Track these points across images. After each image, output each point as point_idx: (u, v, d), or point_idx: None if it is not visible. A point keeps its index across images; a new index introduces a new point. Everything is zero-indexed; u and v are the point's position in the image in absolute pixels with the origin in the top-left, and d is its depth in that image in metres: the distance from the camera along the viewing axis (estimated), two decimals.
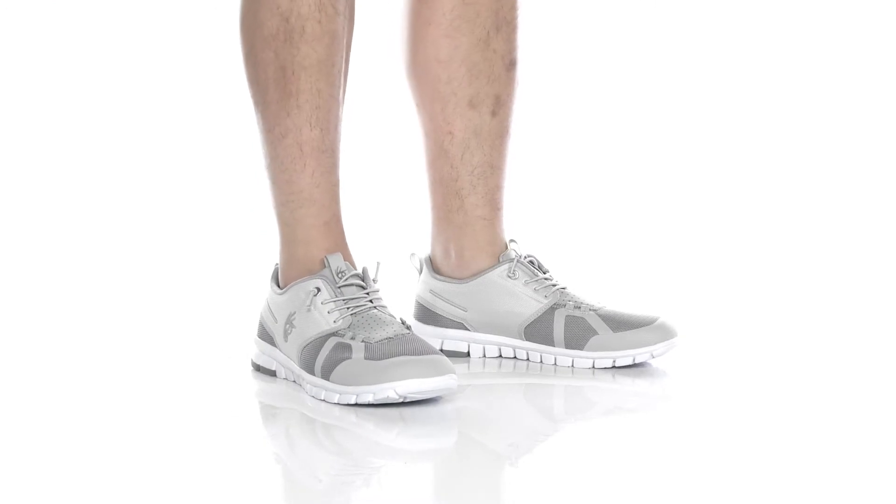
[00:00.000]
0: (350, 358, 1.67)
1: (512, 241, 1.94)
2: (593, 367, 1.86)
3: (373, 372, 1.65)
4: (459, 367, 1.80)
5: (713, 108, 3.19)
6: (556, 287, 1.90)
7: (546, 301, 1.89)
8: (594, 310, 1.88)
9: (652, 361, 1.88)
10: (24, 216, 2.90)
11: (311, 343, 1.71)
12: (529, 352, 1.90)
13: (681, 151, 3.15)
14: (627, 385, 1.81)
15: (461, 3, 1.88)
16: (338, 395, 1.67)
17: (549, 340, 1.88)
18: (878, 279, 2.52)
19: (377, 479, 1.47)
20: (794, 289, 2.45)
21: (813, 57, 3.21)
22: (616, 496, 1.39)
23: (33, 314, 2.28)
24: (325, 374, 1.68)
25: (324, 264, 1.75)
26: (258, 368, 1.83)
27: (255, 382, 1.81)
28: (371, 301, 1.73)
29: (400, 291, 1.93)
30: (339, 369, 1.67)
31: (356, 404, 1.66)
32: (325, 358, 1.69)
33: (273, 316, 1.79)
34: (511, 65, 1.91)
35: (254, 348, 1.84)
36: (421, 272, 1.96)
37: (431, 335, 1.93)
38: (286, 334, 1.76)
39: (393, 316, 1.73)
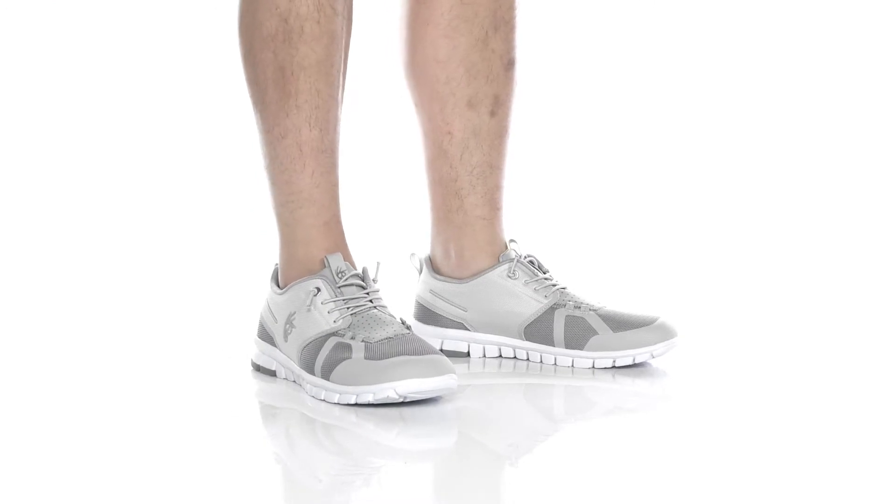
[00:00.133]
0: (350, 358, 1.67)
1: (512, 240, 1.94)
2: (593, 367, 1.86)
3: (373, 372, 1.65)
4: (459, 367, 1.80)
5: (712, 107, 3.19)
6: (556, 287, 1.90)
7: (546, 301, 1.89)
8: (594, 310, 1.88)
9: (652, 361, 1.88)
10: (24, 216, 2.90)
11: (311, 343, 1.71)
12: (529, 352, 1.90)
13: (680, 151, 3.15)
14: (627, 385, 1.81)
15: (459, 3, 1.88)
16: (338, 395, 1.67)
17: (549, 340, 1.88)
18: (878, 279, 2.52)
19: (377, 479, 1.47)
20: (793, 289, 2.45)
21: (813, 57, 3.21)
22: (616, 496, 1.39)
23: (33, 314, 2.28)
24: (325, 374, 1.68)
25: (324, 264, 1.75)
26: (258, 368, 1.83)
27: (255, 382, 1.81)
28: (371, 301, 1.73)
29: (400, 291, 1.93)
30: (339, 369, 1.67)
31: (356, 404, 1.66)
32: (325, 358, 1.69)
33: (273, 316, 1.79)
34: (509, 64, 1.91)
35: (254, 348, 1.84)
36: (421, 272, 1.96)
37: (431, 335, 1.93)
38: (286, 334, 1.76)
39: (393, 316, 1.73)
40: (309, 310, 1.73)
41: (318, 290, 1.73)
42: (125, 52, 3.06)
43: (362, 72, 1.99)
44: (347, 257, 1.77)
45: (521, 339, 1.90)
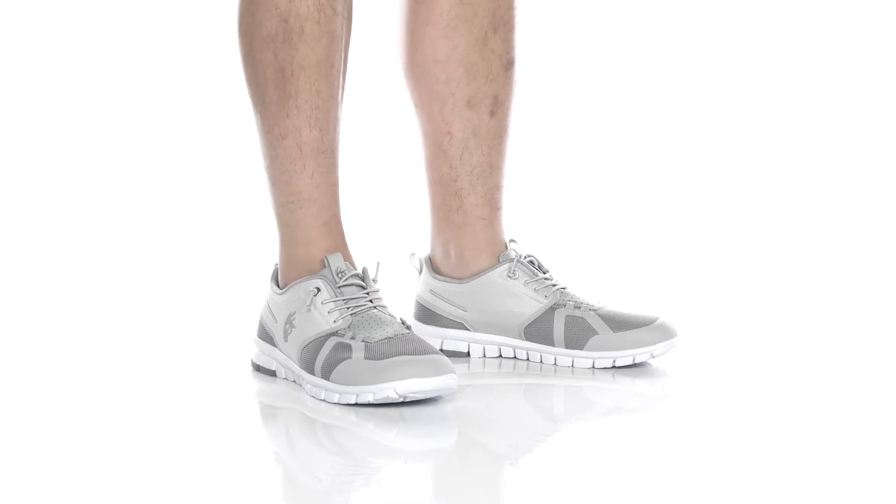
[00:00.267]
0: (350, 358, 1.67)
1: (512, 240, 1.94)
2: (593, 367, 1.86)
3: (373, 372, 1.65)
4: (459, 367, 1.80)
5: (712, 107, 3.18)
6: (556, 287, 1.90)
7: (546, 301, 1.89)
8: (594, 310, 1.88)
9: (652, 361, 1.88)
10: (25, 216, 2.90)
11: (311, 343, 1.71)
12: (529, 352, 1.90)
13: (680, 151, 3.15)
14: (627, 385, 1.81)
15: (459, 3, 1.88)
16: (338, 395, 1.67)
17: (549, 340, 1.88)
18: (878, 279, 2.52)
19: (377, 479, 1.47)
20: (793, 289, 2.45)
21: (813, 57, 3.20)
22: (616, 496, 1.39)
23: (33, 314, 2.28)
24: (325, 374, 1.68)
25: (324, 264, 1.75)
26: (258, 368, 1.83)
27: (255, 382, 1.81)
28: (371, 301, 1.73)
29: (400, 291, 1.93)
30: (339, 369, 1.67)
31: (356, 404, 1.66)
32: (325, 358, 1.69)
33: (273, 316, 1.79)
34: (509, 64, 1.91)
35: (254, 348, 1.84)
36: (421, 272, 1.96)
37: (431, 335, 1.93)
38: (286, 334, 1.76)
39: (393, 316, 1.73)
40: (309, 310, 1.73)
41: (318, 290, 1.73)
42: (125, 52, 3.06)
43: (362, 72, 1.99)
44: (347, 257, 1.77)
45: (521, 339, 1.90)
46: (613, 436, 1.62)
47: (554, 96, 3.09)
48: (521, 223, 2.02)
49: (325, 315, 1.72)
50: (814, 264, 2.65)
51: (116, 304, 2.35)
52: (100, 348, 2.04)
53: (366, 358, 1.66)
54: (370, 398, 1.65)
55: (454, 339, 1.93)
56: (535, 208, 2.79)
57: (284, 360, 1.77)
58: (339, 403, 1.67)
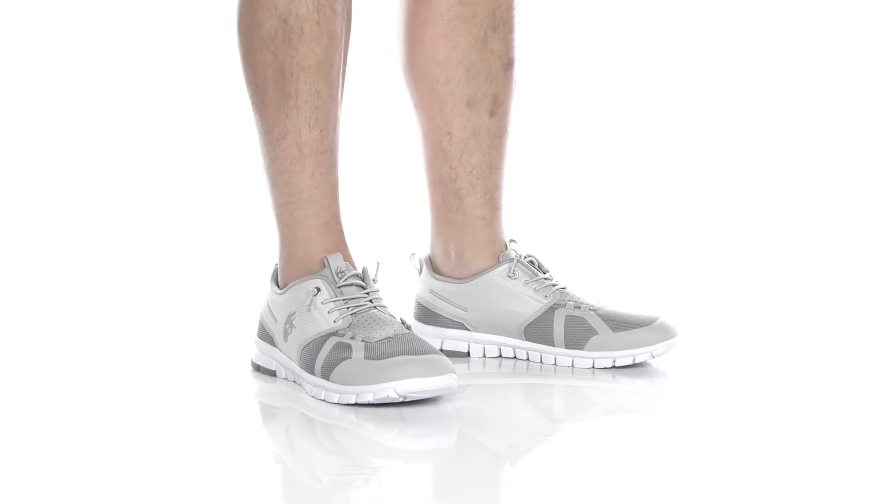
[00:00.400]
0: (350, 358, 1.67)
1: (512, 240, 1.94)
2: (593, 367, 1.86)
3: (373, 372, 1.65)
4: (459, 367, 1.80)
5: (712, 107, 3.18)
6: (556, 287, 1.90)
7: (546, 301, 1.89)
8: (594, 310, 1.88)
9: (652, 361, 1.88)
10: (25, 216, 2.90)
11: (311, 343, 1.71)
12: (529, 352, 1.90)
13: (680, 151, 3.15)
14: (627, 385, 1.81)
15: (458, 3, 1.88)
16: (338, 395, 1.67)
17: (549, 340, 1.88)
18: (878, 279, 2.52)
19: (377, 479, 1.47)
20: (793, 289, 2.45)
21: (813, 57, 3.20)
22: (616, 496, 1.39)
23: (33, 314, 2.28)
24: (325, 374, 1.68)
25: (324, 264, 1.75)
26: (258, 368, 1.83)
27: (255, 382, 1.81)
28: (371, 301, 1.73)
29: (400, 291, 1.93)
30: (339, 369, 1.67)
31: (356, 404, 1.66)
32: (325, 358, 1.69)
33: (273, 316, 1.79)
34: (508, 64, 1.91)
35: (254, 348, 1.84)
36: (421, 272, 1.96)
37: (431, 335, 1.93)
38: (286, 334, 1.76)
39: (393, 316, 1.73)
40: (309, 310, 1.73)
41: (318, 290, 1.73)
42: (125, 53, 3.06)
43: (362, 72, 1.99)
44: (347, 257, 1.77)
45: (521, 339, 1.90)
46: (613, 436, 1.62)
47: (553, 96, 3.09)
48: (521, 223, 2.02)
49: (324, 315, 1.72)
50: (813, 264, 2.65)
51: (117, 304, 2.35)
52: (100, 348, 2.04)
53: (366, 358, 1.66)
54: (370, 398, 1.65)
55: (454, 339, 1.93)
56: (535, 208, 2.79)
57: (284, 360, 1.77)
58: (339, 403, 1.67)
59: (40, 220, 2.89)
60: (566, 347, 1.87)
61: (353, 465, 1.52)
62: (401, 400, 1.65)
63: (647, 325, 1.86)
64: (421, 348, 1.66)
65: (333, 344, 1.69)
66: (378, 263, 1.77)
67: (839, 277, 2.53)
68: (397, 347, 1.66)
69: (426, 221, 1.96)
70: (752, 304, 2.32)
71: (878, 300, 2.35)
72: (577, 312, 1.88)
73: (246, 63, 1.76)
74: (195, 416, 1.69)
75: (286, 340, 1.76)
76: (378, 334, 1.69)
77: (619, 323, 1.86)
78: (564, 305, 1.89)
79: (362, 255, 1.79)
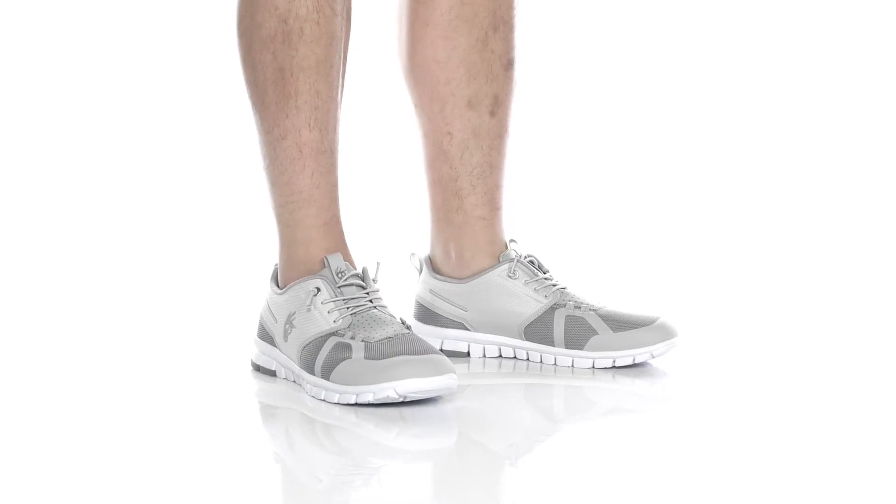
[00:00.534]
0: (350, 358, 1.67)
1: (512, 240, 1.94)
2: (593, 367, 1.86)
3: (373, 371, 1.65)
4: (459, 367, 1.80)
5: (712, 107, 3.18)
6: (557, 287, 1.90)
7: (546, 301, 1.89)
8: (594, 310, 1.88)
9: (652, 361, 1.88)
10: (25, 217, 2.90)
11: (311, 343, 1.71)
12: (529, 352, 1.90)
13: (680, 151, 3.15)
14: (627, 385, 1.81)
15: (459, 4, 1.88)
16: (338, 395, 1.67)
17: (549, 340, 1.88)
18: (878, 279, 2.52)
19: (377, 479, 1.47)
20: (793, 289, 2.45)
21: (813, 57, 3.20)
22: (616, 496, 1.39)
23: (33, 314, 2.28)
24: (325, 374, 1.68)
25: (324, 264, 1.75)
26: (258, 368, 1.83)
27: (255, 382, 1.81)
28: (371, 301, 1.73)
29: (400, 291, 1.93)
30: (339, 369, 1.67)
31: (356, 404, 1.66)
32: (325, 358, 1.69)
33: (273, 316, 1.79)
34: (509, 64, 1.91)
35: (254, 348, 1.84)
36: (421, 272, 1.96)
37: (431, 335, 1.93)
38: (286, 334, 1.76)
39: (393, 316, 1.73)
40: (309, 310, 1.73)
41: (318, 289, 1.73)
42: (125, 53, 3.06)
43: (362, 72, 1.99)
44: (347, 257, 1.77)
45: (521, 339, 1.90)
46: (613, 436, 1.62)
47: (553, 96, 3.09)
48: (521, 223, 2.02)
49: (324, 315, 1.72)
50: (813, 264, 2.65)
51: (117, 304, 2.35)
52: (100, 348, 2.04)
53: (366, 358, 1.66)
54: (370, 398, 1.65)
55: (454, 339, 1.93)
56: (535, 208, 2.79)
57: (284, 360, 1.77)
58: (339, 403, 1.67)
59: (40, 221, 2.89)
60: (566, 347, 1.87)
61: (353, 465, 1.52)
62: (401, 400, 1.65)
63: (647, 325, 1.86)
64: (421, 348, 1.66)
65: (333, 344, 1.69)
66: (378, 263, 1.77)
67: (839, 277, 2.53)
68: (397, 347, 1.66)
69: (426, 221, 1.96)
70: (752, 304, 2.32)
71: (878, 300, 2.35)
72: (578, 312, 1.88)
73: (246, 63, 1.76)
74: (195, 415, 1.69)
75: (286, 340, 1.76)
76: (378, 334, 1.69)
77: (619, 323, 1.86)
78: (564, 305, 1.89)
79: (362, 255, 1.79)
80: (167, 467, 1.48)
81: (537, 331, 1.89)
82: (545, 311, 1.89)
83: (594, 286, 2.01)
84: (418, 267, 1.96)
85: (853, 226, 2.88)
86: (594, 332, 1.86)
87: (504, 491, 1.44)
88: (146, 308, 2.32)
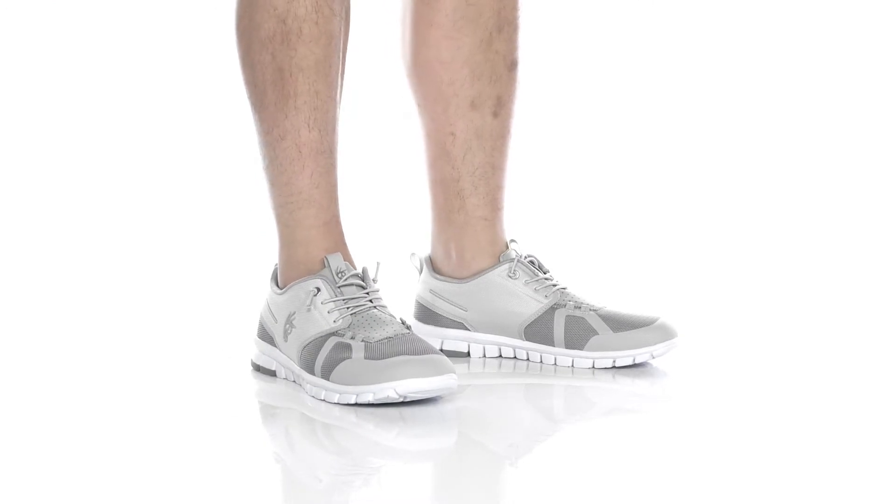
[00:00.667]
0: (350, 358, 1.67)
1: (512, 240, 1.94)
2: (593, 367, 1.86)
3: (373, 371, 1.65)
4: (459, 367, 1.80)
5: (713, 109, 3.19)
6: (557, 287, 1.90)
7: (546, 301, 1.89)
8: (594, 310, 1.88)
9: (652, 361, 1.88)
10: (25, 217, 2.90)
11: (311, 343, 1.71)
12: (529, 352, 1.90)
13: (681, 152, 3.15)
14: (627, 385, 1.81)
15: (464, 4, 1.88)
16: (338, 395, 1.67)
17: (549, 340, 1.88)
18: (878, 279, 2.52)
19: (377, 479, 1.47)
20: (793, 289, 2.45)
21: (813, 57, 3.20)
22: (616, 496, 1.39)
23: (33, 314, 2.28)
24: (325, 374, 1.68)
25: (324, 264, 1.75)
26: (258, 368, 1.83)
27: (255, 382, 1.81)
28: (371, 301, 1.73)
29: (400, 291, 1.93)
30: (339, 369, 1.67)
31: (356, 404, 1.66)
32: (325, 358, 1.69)
33: (273, 316, 1.79)
34: (512, 65, 1.91)
35: (254, 348, 1.84)
36: (421, 272, 1.96)
37: (431, 335, 1.93)
38: (286, 334, 1.76)
39: (393, 316, 1.73)
40: (309, 310, 1.73)
41: (318, 289, 1.73)
42: (124, 54, 3.06)
43: (361, 72, 1.99)
44: (347, 257, 1.77)
45: (521, 339, 1.90)
46: (613, 436, 1.62)
47: (555, 97, 3.09)
48: (522, 223, 2.02)
49: (324, 315, 1.72)
50: (813, 264, 2.65)
51: (117, 304, 2.35)
52: (100, 348, 2.04)
53: (366, 358, 1.66)
54: (370, 398, 1.65)
55: (454, 339, 1.93)
56: (535, 209, 2.79)
57: (284, 360, 1.77)
58: (339, 403, 1.67)
59: (40, 221, 2.89)
60: (566, 347, 1.87)
61: (353, 465, 1.52)
62: (401, 400, 1.65)
63: (648, 325, 1.86)
64: (421, 348, 1.66)
65: (333, 344, 1.69)
66: (378, 263, 1.77)
67: (839, 277, 2.53)
68: (397, 347, 1.66)
69: (426, 221, 1.96)
70: (752, 304, 2.32)
71: (877, 300, 2.35)
72: (578, 312, 1.88)
73: (245, 64, 1.76)
74: (195, 415, 1.69)
75: (286, 340, 1.76)
76: (378, 334, 1.69)
77: (619, 323, 1.86)
78: (565, 305, 1.88)
79: (362, 255, 1.79)
80: (167, 467, 1.48)
81: (537, 331, 1.89)
82: (545, 311, 1.89)
83: (594, 286, 2.01)
84: (418, 267, 1.96)
85: (853, 226, 2.88)
86: (594, 333, 1.86)
87: (504, 491, 1.44)
88: (146, 308, 2.32)
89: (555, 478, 1.44)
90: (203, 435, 1.60)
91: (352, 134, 2.04)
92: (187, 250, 2.76)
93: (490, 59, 1.90)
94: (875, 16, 3.19)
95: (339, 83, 1.78)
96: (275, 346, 1.79)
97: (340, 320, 1.71)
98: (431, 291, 1.94)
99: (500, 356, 1.92)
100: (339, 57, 1.76)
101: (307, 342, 1.72)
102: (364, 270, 1.75)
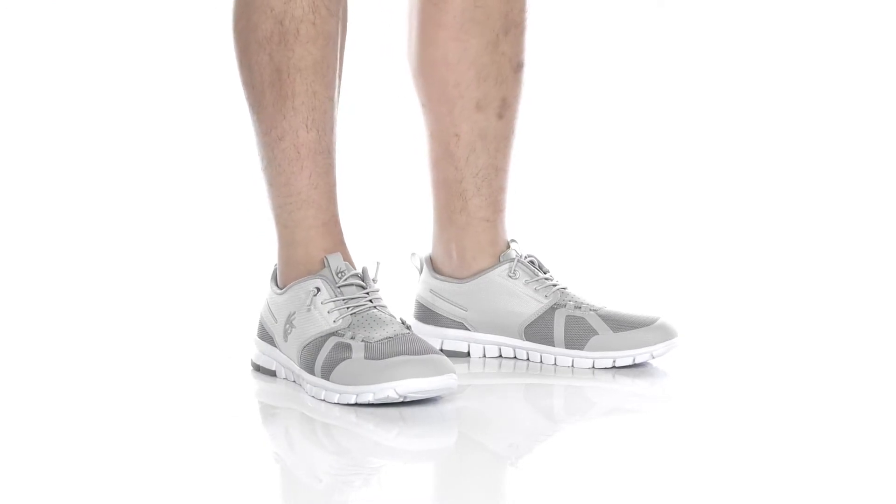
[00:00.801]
0: (350, 358, 1.67)
1: (513, 240, 1.94)
2: (593, 367, 1.86)
3: (373, 371, 1.65)
4: (459, 367, 1.80)
5: (714, 110, 3.19)
6: (557, 287, 1.90)
7: (546, 301, 1.89)
8: (594, 310, 1.88)
9: (652, 362, 1.88)
10: (25, 217, 2.90)
11: (311, 343, 1.71)
12: (529, 352, 1.90)
13: (681, 153, 3.15)
14: (627, 385, 1.81)
15: (472, 6, 1.87)
16: (338, 395, 1.67)
17: (549, 340, 1.88)
18: (878, 279, 2.52)
19: (377, 479, 1.47)
20: (793, 289, 2.45)
21: (813, 57, 3.20)
22: (616, 496, 1.39)
23: (33, 314, 2.28)
24: (325, 374, 1.68)
25: (323, 264, 1.75)
26: (258, 368, 1.83)
27: (255, 382, 1.81)
28: (371, 301, 1.73)
29: (400, 291, 1.93)
30: (339, 369, 1.67)
31: (356, 404, 1.66)
32: (325, 358, 1.69)
33: (273, 316, 1.79)
34: (518, 67, 1.91)
35: (254, 348, 1.84)
36: (421, 272, 1.96)
37: (431, 335, 1.93)
38: (286, 334, 1.76)
39: (393, 316, 1.73)
40: (309, 310, 1.73)
41: (318, 289, 1.73)
42: (124, 55, 3.06)
43: (360, 72, 1.99)
44: (347, 257, 1.76)
45: (522, 339, 1.90)
46: (613, 436, 1.62)
47: (556, 98, 3.09)
48: (523, 224, 2.02)
49: (324, 315, 1.72)
50: (813, 264, 2.65)
51: (117, 304, 2.35)
52: (100, 348, 2.04)
53: (366, 358, 1.66)
54: (370, 398, 1.65)
55: (454, 339, 1.93)
56: (536, 209, 2.79)
57: (284, 360, 1.77)
58: (339, 403, 1.67)
59: (40, 221, 2.89)
60: (566, 347, 1.87)
61: (353, 465, 1.52)
62: (401, 400, 1.65)
63: (648, 325, 1.86)
64: (421, 348, 1.66)
65: (333, 344, 1.69)
66: (378, 263, 1.77)
67: (839, 277, 2.53)
68: (397, 347, 1.66)
69: (426, 221, 1.96)
70: (752, 304, 2.32)
71: (877, 300, 2.35)
72: (578, 312, 1.88)
73: (242, 65, 1.76)
74: (195, 415, 1.69)
75: (286, 340, 1.76)
76: (378, 334, 1.69)
77: (619, 323, 1.86)
78: (565, 305, 1.88)
79: (362, 255, 1.79)
80: (167, 467, 1.48)
81: (537, 331, 1.89)
82: (545, 311, 1.89)
83: (594, 286, 2.01)
84: (419, 267, 1.96)
85: (853, 226, 2.88)
86: (594, 333, 1.86)
87: (504, 491, 1.44)
88: (146, 308, 2.32)
89: (555, 478, 1.44)
90: (203, 435, 1.60)
91: (351, 134, 2.04)
92: (187, 251, 2.76)
93: (496, 61, 1.89)
94: (875, 16, 3.19)
95: (337, 83, 1.77)
96: (275, 346, 1.79)
97: (340, 320, 1.71)
98: (431, 291, 1.94)
99: (500, 356, 1.92)
100: (336, 57, 1.76)
101: (307, 342, 1.72)
102: (364, 270, 1.75)
